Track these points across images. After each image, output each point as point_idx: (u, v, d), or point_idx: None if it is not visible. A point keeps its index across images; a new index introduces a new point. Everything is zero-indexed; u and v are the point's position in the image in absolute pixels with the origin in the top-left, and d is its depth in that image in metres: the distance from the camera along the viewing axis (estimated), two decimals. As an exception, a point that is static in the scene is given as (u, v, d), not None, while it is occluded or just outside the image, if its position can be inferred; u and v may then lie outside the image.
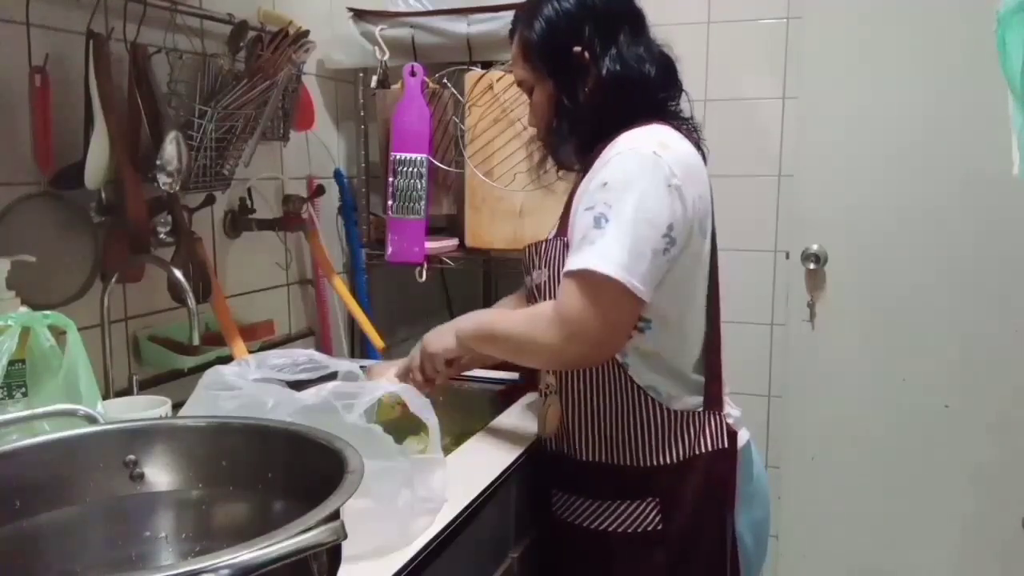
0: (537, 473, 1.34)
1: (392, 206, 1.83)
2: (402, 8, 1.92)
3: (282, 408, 0.99)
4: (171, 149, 1.33)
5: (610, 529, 1.24)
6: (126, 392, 1.39)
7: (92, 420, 0.99)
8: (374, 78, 1.93)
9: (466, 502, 1.11)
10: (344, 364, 1.20)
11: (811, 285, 2.21)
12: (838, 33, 2.12)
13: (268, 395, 1.02)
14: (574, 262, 1.11)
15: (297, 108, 1.78)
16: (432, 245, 1.87)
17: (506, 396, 1.64)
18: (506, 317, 1.27)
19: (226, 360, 1.28)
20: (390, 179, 1.83)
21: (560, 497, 1.30)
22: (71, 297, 1.29)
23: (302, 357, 1.18)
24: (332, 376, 1.15)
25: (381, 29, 1.88)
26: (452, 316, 2.20)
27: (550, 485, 1.33)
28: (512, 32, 1.30)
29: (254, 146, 1.59)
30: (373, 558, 0.94)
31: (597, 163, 1.18)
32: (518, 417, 1.49)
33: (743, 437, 1.29)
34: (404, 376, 1.37)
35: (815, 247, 2.19)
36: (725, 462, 1.23)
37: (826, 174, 2.16)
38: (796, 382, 2.25)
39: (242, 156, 1.57)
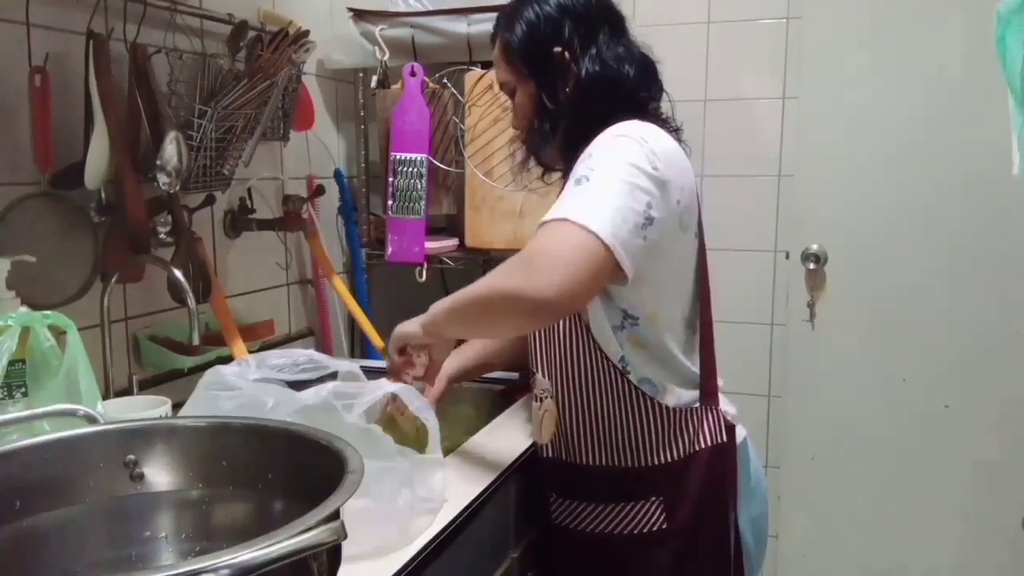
0: (535, 476, 1.34)
1: (392, 206, 1.83)
2: (402, 8, 1.92)
3: (282, 408, 0.99)
4: (171, 149, 1.33)
5: (615, 532, 1.23)
6: (126, 392, 1.39)
7: (92, 420, 0.99)
8: (374, 78, 1.93)
9: (466, 502, 1.11)
10: (344, 364, 1.20)
11: (811, 285, 2.21)
12: (838, 33, 2.12)
13: (268, 395, 1.02)
14: (549, 214, 1.08)
15: (297, 108, 1.78)
16: (432, 245, 1.87)
17: (506, 396, 1.64)
18: (475, 283, 1.17)
19: (226, 360, 1.28)
20: (390, 179, 1.83)
21: (561, 503, 1.30)
22: (71, 297, 1.29)
23: (302, 357, 1.18)
24: (332, 376, 1.16)
25: (381, 29, 1.88)
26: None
27: (549, 492, 1.32)
28: (494, 36, 1.31)
29: (254, 146, 1.59)
30: (373, 558, 0.94)
31: (592, 143, 1.18)
32: (518, 417, 1.49)
33: (740, 433, 1.29)
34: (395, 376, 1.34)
35: (815, 247, 2.19)
36: (725, 456, 1.24)
37: (826, 174, 2.16)
38: (796, 382, 2.25)
39: (242, 156, 1.57)
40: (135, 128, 1.35)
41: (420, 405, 1.09)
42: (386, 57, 1.89)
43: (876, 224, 2.14)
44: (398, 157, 1.82)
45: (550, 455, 1.32)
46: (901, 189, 2.11)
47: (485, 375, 1.58)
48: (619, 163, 1.10)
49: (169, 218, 1.41)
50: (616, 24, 1.27)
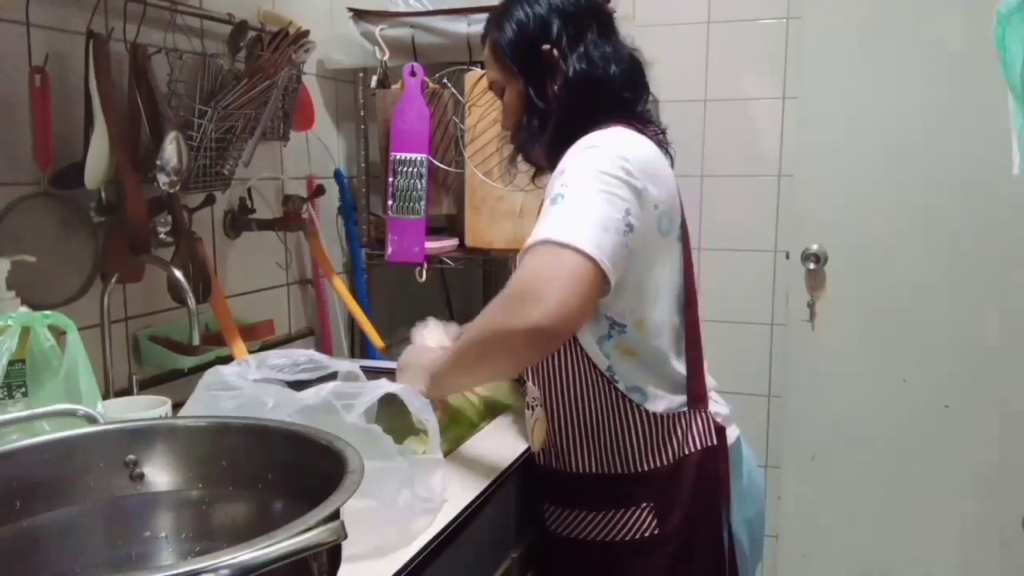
0: (530, 481, 1.34)
1: (392, 206, 1.83)
2: (402, 8, 1.92)
3: (282, 408, 0.99)
4: (171, 149, 1.33)
5: (607, 539, 1.23)
6: (126, 392, 1.39)
7: (92, 420, 0.99)
8: (374, 78, 1.93)
9: (466, 502, 1.11)
10: (344, 364, 1.20)
11: (811, 285, 2.21)
12: (838, 33, 2.12)
13: (268, 395, 1.02)
14: (531, 237, 1.08)
15: (297, 108, 1.78)
16: (432, 245, 1.86)
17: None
18: (467, 334, 1.19)
19: (226, 360, 1.28)
20: (390, 179, 1.83)
21: (553, 511, 1.30)
22: (71, 297, 1.29)
23: (302, 357, 1.18)
24: (332, 376, 1.15)
25: (381, 29, 1.88)
26: (452, 316, 2.21)
27: (542, 500, 1.32)
28: (484, 36, 1.33)
29: (254, 146, 1.59)
30: (373, 558, 0.94)
31: (564, 157, 1.18)
32: (518, 417, 1.49)
33: (731, 435, 1.29)
34: None
35: (815, 247, 2.19)
36: (715, 459, 1.23)
37: (826, 174, 2.16)
38: (796, 382, 2.25)
39: (242, 156, 1.57)
40: (135, 128, 1.35)
41: (420, 405, 1.09)
42: (386, 57, 1.88)
43: (876, 224, 2.14)
44: (398, 157, 1.82)
45: (541, 463, 1.32)
46: (901, 189, 2.11)
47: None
48: (592, 174, 1.11)
49: (169, 218, 1.41)
50: (604, 23, 1.28)
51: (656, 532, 1.21)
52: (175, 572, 0.60)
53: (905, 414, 2.16)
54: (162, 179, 1.33)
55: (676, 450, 1.22)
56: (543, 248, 1.05)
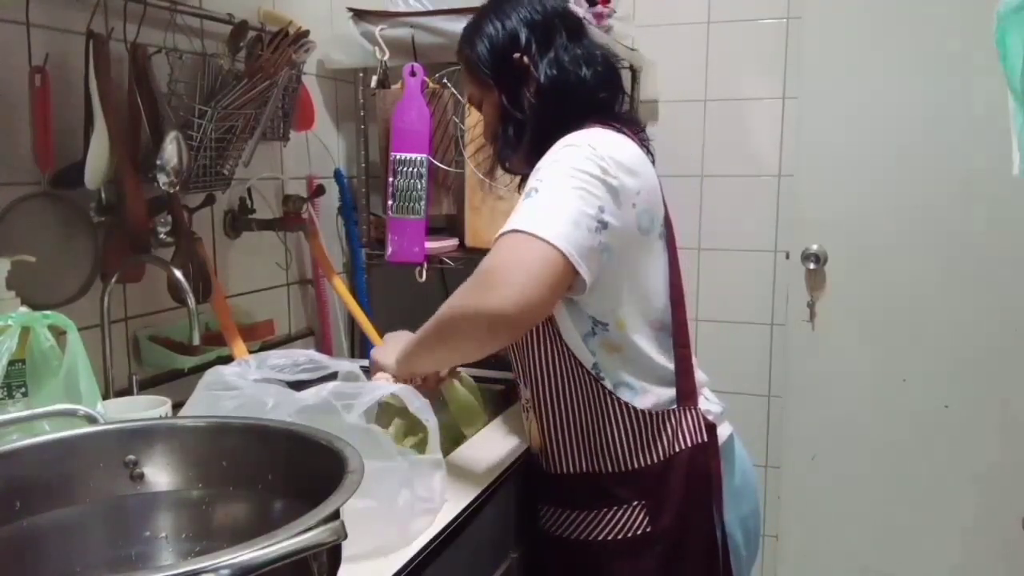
0: (530, 481, 1.34)
1: (392, 206, 1.83)
2: (402, 8, 1.92)
3: (282, 408, 0.99)
4: (171, 149, 1.33)
5: (600, 538, 1.23)
6: (126, 392, 1.39)
7: (92, 420, 0.99)
8: (374, 78, 1.93)
9: (466, 502, 1.11)
10: (344, 364, 1.20)
11: (811, 285, 2.21)
12: (838, 33, 2.12)
13: (268, 395, 1.02)
14: (503, 229, 1.10)
15: (297, 108, 1.78)
16: (432, 245, 1.86)
17: (506, 396, 1.64)
18: (433, 318, 1.19)
19: (226, 360, 1.28)
20: (390, 179, 1.83)
21: (547, 511, 1.30)
22: (71, 297, 1.29)
23: (302, 357, 1.18)
24: (332, 376, 1.16)
25: (381, 29, 1.88)
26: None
27: (538, 499, 1.33)
28: (458, 53, 1.36)
29: (254, 146, 1.59)
30: (373, 558, 0.94)
31: (533, 171, 1.20)
32: (518, 418, 1.49)
33: (724, 432, 1.29)
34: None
35: (815, 247, 2.19)
36: (706, 456, 1.24)
37: (826, 174, 2.16)
38: (796, 382, 2.25)
39: (242, 156, 1.57)
40: (135, 128, 1.35)
41: (420, 405, 1.09)
42: (386, 57, 1.88)
43: (876, 224, 2.14)
44: (398, 157, 1.82)
45: (536, 464, 1.32)
46: (901, 189, 2.11)
47: (485, 375, 1.58)
48: (567, 171, 1.12)
49: (169, 218, 1.41)
50: (572, 28, 1.30)
51: (648, 530, 1.21)
52: (175, 572, 0.60)
53: (905, 414, 2.16)
54: (162, 179, 1.33)
55: (666, 448, 1.23)
56: (511, 237, 1.07)
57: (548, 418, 1.26)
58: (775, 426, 2.34)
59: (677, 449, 1.23)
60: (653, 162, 1.29)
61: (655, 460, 1.22)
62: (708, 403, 1.30)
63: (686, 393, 1.25)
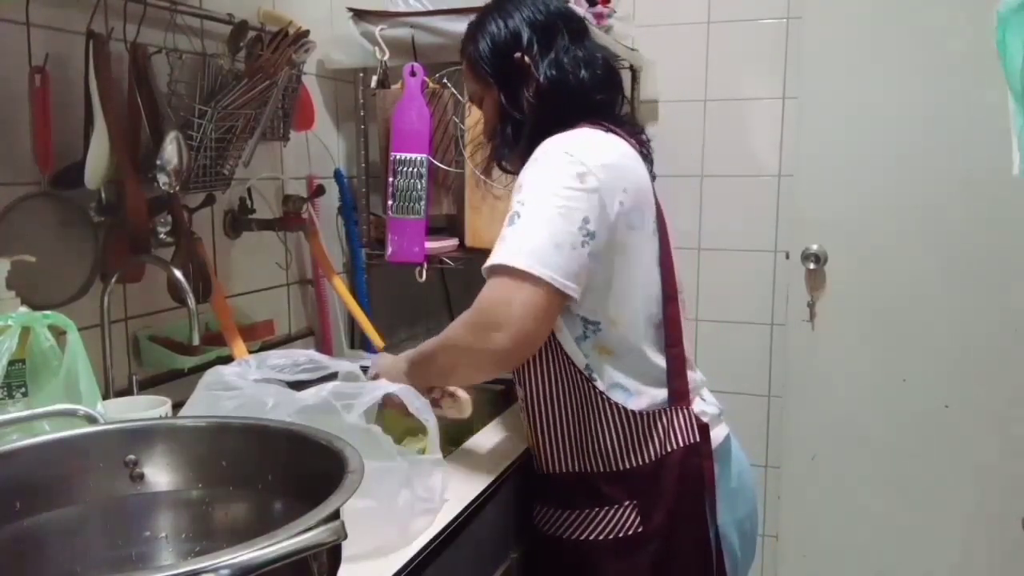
0: (528, 481, 1.34)
1: (392, 206, 1.83)
2: (402, 8, 1.92)
3: (282, 408, 0.99)
4: (171, 149, 1.33)
5: (591, 538, 1.24)
6: (126, 392, 1.39)
7: (92, 420, 0.99)
8: (374, 78, 1.93)
9: (466, 502, 1.11)
10: (344, 364, 1.20)
11: (811, 285, 2.21)
12: (838, 33, 2.12)
13: (268, 395, 1.02)
14: (489, 260, 1.14)
15: (297, 108, 1.78)
16: (432, 245, 1.86)
17: (506, 396, 1.64)
18: (432, 340, 1.25)
19: (226, 360, 1.28)
20: (390, 179, 1.83)
21: (540, 510, 1.31)
22: (71, 297, 1.28)
23: (302, 357, 1.18)
24: (332, 376, 1.16)
25: (381, 29, 1.88)
26: (452, 316, 2.21)
27: (531, 499, 1.33)
28: (461, 51, 1.37)
29: (254, 146, 1.59)
30: (373, 558, 0.94)
31: (515, 186, 1.21)
32: (518, 417, 1.49)
33: (720, 434, 1.29)
34: None
35: (815, 247, 2.19)
36: (698, 456, 1.24)
37: (826, 174, 2.16)
38: (796, 382, 2.25)
39: (242, 156, 1.56)
40: (135, 128, 1.35)
41: (420, 405, 1.09)
42: (386, 57, 1.88)
43: (876, 224, 2.14)
44: (398, 157, 1.82)
45: (530, 464, 1.32)
46: (901, 189, 2.11)
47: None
48: (546, 190, 1.14)
49: (169, 218, 1.40)
50: (575, 29, 1.31)
51: (640, 530, 1.22)
52: (175, 572, 0.60)
53: (905, 414, 2.16)
54: (162, 179, 1.33)
55: (658, 448, 1.23)
56: (499, 279, 1.12)
57: (539, 417, 1.27)
58: (775, 426, 2.34)
59: (669, 449, 1.23)
60: (651, 163, 1.30)
61: (646, 460, 1.22)
62: (705, 404, 1.30)
63: (679, 393, 1.25)
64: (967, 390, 2.11)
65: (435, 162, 1.86)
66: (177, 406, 1.14)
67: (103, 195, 1.32)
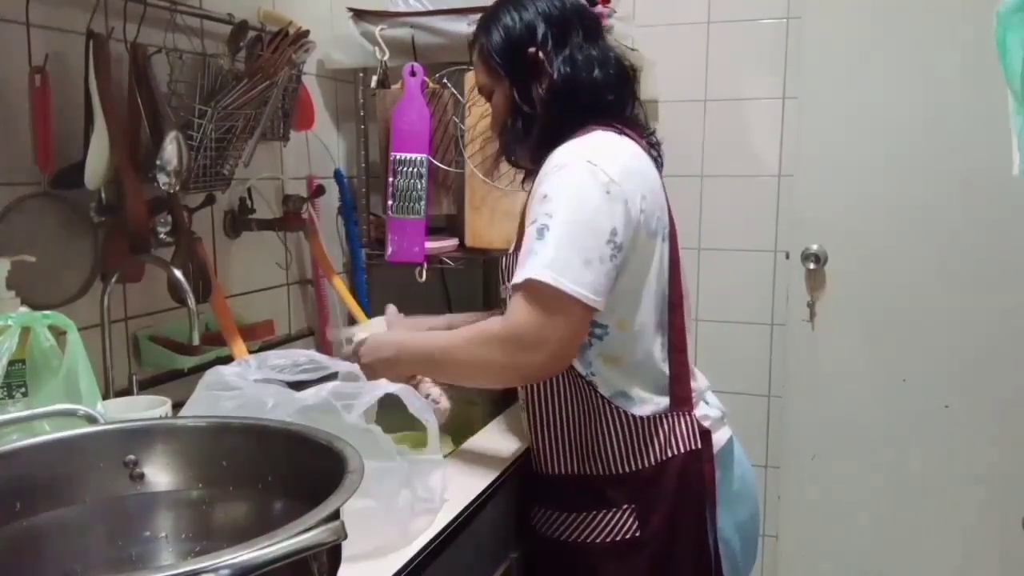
0: (528, 481, 1.34)
1: (392, 206, 1.83)
2: (402, 8, 1.92)
3: (282, 408, 0.99)
4: (171, 149, 1.33)
5: (588, 540, 1.24)
6: (126, 392, 1.39)
7: (92, 420, 0.99)
8: (374, 78, 1.93)
9: (466, 502, 1.11)
10: (344, 364, 1.20)
11: (811, 285, 2.21)
12: (838, 33, 2.12)
13: (268, 395, 1.02)
14: (519, 274, 1.13)
15: (297, 108, 1.78)
16: (432, 245, 1.86)
17: (506, 396, 1.64)
18: (454, 343, 1.23)
19: (226, 360, 1.28)
20: (390, 179, 1.83)
21: (539, 512, 1.31)
22: (71, 297, 1.29)
23: (302, 357, 1.18)
24: (332, 376, 1.15)
25: (381, 29, 1.88)
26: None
27: (530, 500, 1.33)
28: (473, 41, 1.35)
29: (254, 146, 1.59)
30: (373, 558, 0.94)
31: (540, 175, 1.20)
32: (518, 417, 1.49)
33: (722, 437, 1.28)
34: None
35: (815, 247, 2.19)
36: (699, 463, 1.23)
37: (826, 174, 2.16)
38: (796, 382, 2.25)
39: (242, 156, 1.57)
40: (135, 128, 1.35)
41: (419, 406, 1.09)
42: (386, 57, 1.88)
43: (876, 224, 2.14)
44: (398, 157, 1.82)
45: (530, 464, 1.32)
46: (901, 189, 2.11)
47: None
48: (574, 203, 1.13)
49: (169, 218, 1.41)
50: (590, 27, 1.30)
51: (637, 535, 1.21)
52: (175, 572, 0.60)
53: (905, 414, 2.16)
54: (162, 179, 1.33)
55: (658, 453, 1.22)
56: (531, 296, 1.12)
57: (540, 418, 1.26)
58: (775, 426, 2.34)
59: (669, 454, 1.23)
60: (661, 165, 1.29)
61: (646, 465, 1.22)
62: (708, 408, 1.29)
63: (680, 399, 1.25)
64: (967, 390, 2.11)
65: (435, 162, 1.86)
66: (177, 406, 1.14)
67: (103, 195, 1.32)
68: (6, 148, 1.24)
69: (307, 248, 1.93)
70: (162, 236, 1.41)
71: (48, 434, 0.92)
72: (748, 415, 2.32)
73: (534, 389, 1.26)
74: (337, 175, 2.05)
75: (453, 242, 1.92)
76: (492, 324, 1.18)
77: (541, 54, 1.25)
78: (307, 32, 1.56)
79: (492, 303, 2.43)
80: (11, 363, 1.04)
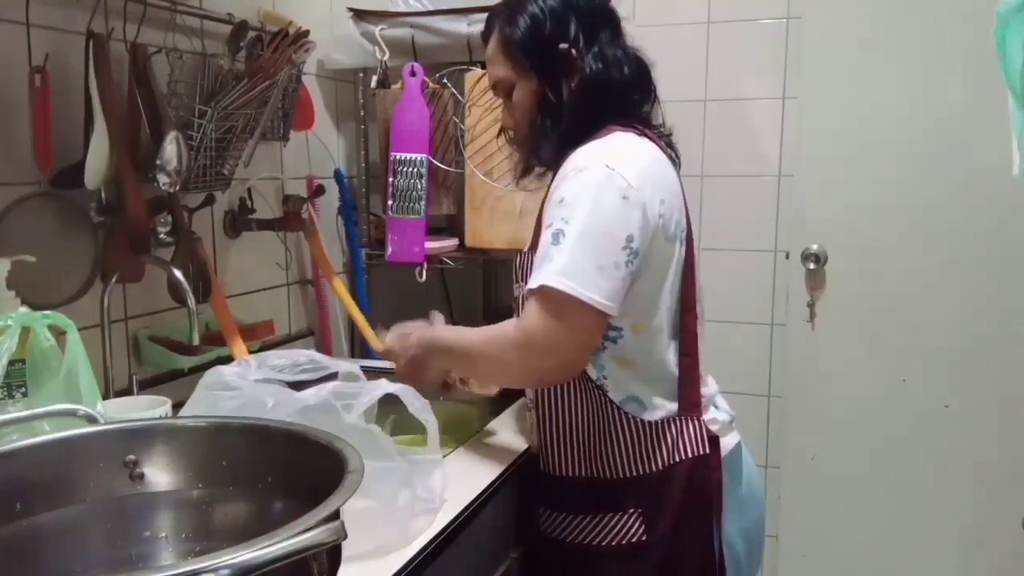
0: (529, 482, 1.34)
1: (392, 206, 1.83)
2: (402, 8, 1.92)
3: (282, 408, 0.99)
4: (171, 149, 1.33)
5: (594, 543, 1.23)
6: (126, 392, 1.39)
7: (92, 420, 0.99)
8: (374, 78, 1.93)
9: (466, 502, 1.11)
10: (344, 364, 1.20)
11: (811, 285, 2.21)
12: (838, 33, 2.12)
13: (268, 395, 1.02)
14: (534, 279, 1.12)
15: (297, 108, 1.78)
16: (432, 245, 1.86)
17: (506, 396, 1.64)
18: (473, 342, 1.24)
19: (226, 360, 1.28)
20: (390, 179, 1.83)
21: (544, 513, 1.30)
22: (71, 297, 1.29)
23: (302, 357, 1.18)
24: (332, 376, 1.16)
25: (381, 29, 1.88)
26: (452, 316, 2.21)
27: (536, 501, 1.32)
28: (488, 33, 1.30)
29: (254, 146, 1.59)
30: (373, 558, 0.94)
31: (556, 178, 1.19)
32: (518, 418, 1.49)
33: (730, 442, 1.28)
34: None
35: (815, 247, 2.19)
36: (707, 468, 1.22)
37: (826, 174, 2.16)
38: (796, 382, 2.25)
39: (242, 156, 1.57)
40: (135, 128, 1.35)
41: (420, 406, 1.09)
42: (386, 57, 1.88)
43: (876, 224, 2.14)
44: (398, 157, 1.82)
45: (536, 465, 1.32)
46: (901, 189, 2.11)
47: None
48: (593, 209, 1.11)
49: (169, 218, 1.41)
50: (615, 25, 1.28)
51: (644, 539, 1.21)
52: (175, 572, 0.60)
53: (905, 414, 2.16)
54: (162, 179, 1.33)
55: (666, 457, 1.22)
56: (545, 302, 1.12)
57: (548, 420, 1.26)
58: (775, 426, 2.34)
59: (677, 459, 1.22)
60: (679, 166, 1.28)
61: (654, 469, 1.22)
62: (717, 412, 1.28)
63: (689, 403, 1.24)
64: (967, 390, 2.11)
65: (435, 162, 1.86)
66: (177, 406, 1.14)
67: (103, 195, 1.32)
68: (6, 148, 1.24)
69: (307, 248, 1.93)
70: (162, 236, 1.41)
71: (48, 434, 0.92)
72: (748, 415, 2.32)
73: (544, 391, 1.25)
74: (337, 175, 2.05)
75: (453, 242, 1.92)
76: (507, 327, 1.18)
77: (574, 51, 1.21)
78: (307, 32, 1.56)
79: (492, 303, 2.44)
80: (11, 363, 1.04)
